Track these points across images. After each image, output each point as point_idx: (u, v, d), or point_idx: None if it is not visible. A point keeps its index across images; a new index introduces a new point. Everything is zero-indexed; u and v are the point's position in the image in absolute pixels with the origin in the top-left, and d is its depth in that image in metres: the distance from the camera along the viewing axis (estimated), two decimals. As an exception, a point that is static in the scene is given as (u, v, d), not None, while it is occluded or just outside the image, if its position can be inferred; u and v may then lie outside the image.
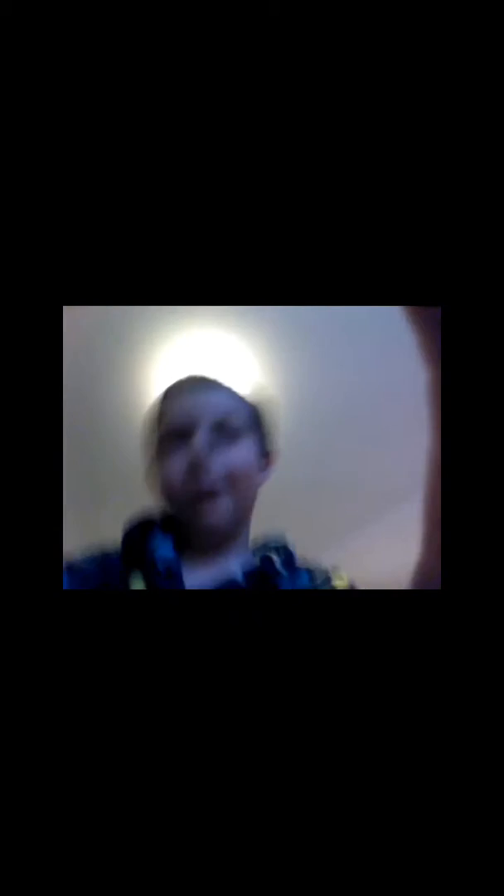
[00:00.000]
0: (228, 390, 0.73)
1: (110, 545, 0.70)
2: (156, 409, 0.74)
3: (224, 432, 0.69)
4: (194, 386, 0.73)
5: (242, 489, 0.69)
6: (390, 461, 1.94)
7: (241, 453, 0.69)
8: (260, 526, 0.75)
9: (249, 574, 0.65)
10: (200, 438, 0.67)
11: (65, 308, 0.57)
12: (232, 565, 0.67)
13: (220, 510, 0.67)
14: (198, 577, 0.65)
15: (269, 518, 0.78)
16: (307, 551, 0.73)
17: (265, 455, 0.76)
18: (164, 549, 0.67)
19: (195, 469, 0.66)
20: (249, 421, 0.72)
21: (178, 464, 0.67)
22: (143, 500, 0.75)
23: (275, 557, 0.68)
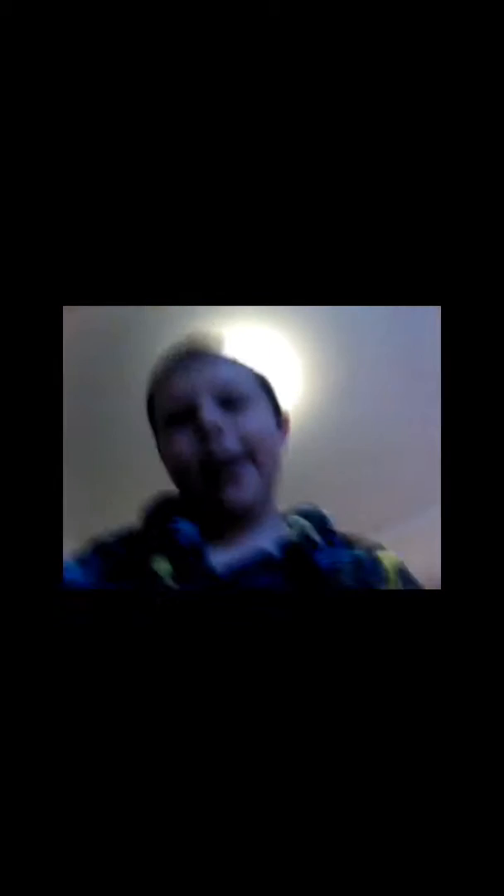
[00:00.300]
0: (224, 359, 0.65)
1: (136, 526, 0.65)
2: (149, 397, 0.68)
3: (230, 402, 0.61)
4: (186, 362, 0.65)
5: (265, 455, 0.61)
6: (402, 465, 1.94)
7: (255, 417, 0.62)
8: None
9: (286, 547, 0.58)
10: (207, 410, 0.59)
11: (65, 308, 0.57)
12: (264, 541, 0.60)
13: (244, 481, 0.59)
14: (225, 556, 0.59)
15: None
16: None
17: (279, 418, 0.68)
18: (186, 528, 0.60)
19: (206, 440, 0.58)
20: (255, 385, 0.65)
21: (188, 443, 0.60)
22: (145, 500, 0.72)
23: (308, 526, 0.60)
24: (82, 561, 0.61)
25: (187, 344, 0.67)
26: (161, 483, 0.67)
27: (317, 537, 0.59)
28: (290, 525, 0.62)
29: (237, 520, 0.62)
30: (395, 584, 0.58)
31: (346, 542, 0.62)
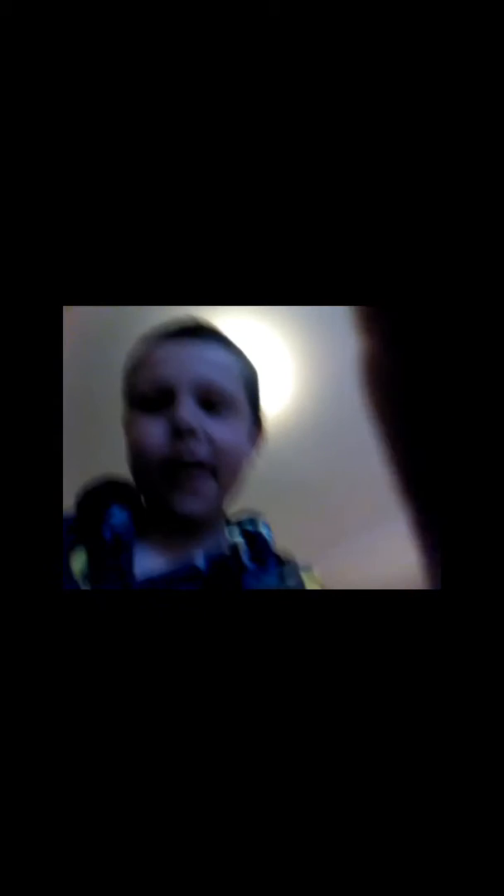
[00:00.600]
0: (219, 345, 0.61)
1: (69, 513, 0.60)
2: (132, 362, 0.63)
3: (210, 404, 0.57)
4: (179, 338, 0.60)
5: (228, 470, 0.57)
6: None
7: (230, 428, 0.57)
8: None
9: (213, 560, 0.56)
10: (184, 408, 0.55)
11: (65, 308, 0.57)
12: (198, 550, 0.57)
13: (201, 494, 0.55)
14: (153, 560, 0.56)
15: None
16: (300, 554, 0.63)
17: (255, 429, 0.64)
18: (118, 516, 0.57)
19: (178, 438, 0.54)
20: (241, 390, 0.60)
21: (156, 428, 0.55)
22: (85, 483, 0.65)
23: (242, 546, 0.58)
24: None
25: (185, 321, 0.63)
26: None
27: (248, 562, 0.57)
28: (227, 541, 0.60)
29: (180, 525, 0.59)
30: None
31: (278, 562, 0.59)
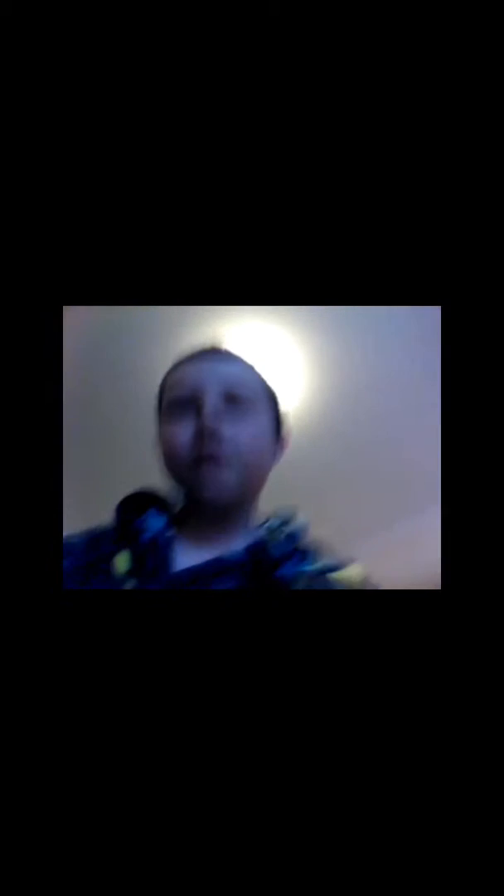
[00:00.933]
0: (240, 361, 0.68)
1: (107, 522, 0.66)
2: (162, 382, 0.70)
3: (235, 403, 0.63)
4: (203, 355, 0.68)
5: (250, 465, 0.63)
6: (404, 464, 1.94)
7: (252, 424, 0.64)
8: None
9: (252, 555, 0.61)
10: (210, 404, 0.62)
11: (65, 308, 0.57)
12: (236, 545, 0.62)
13: (222, 480, 0.61)
14: (193, 556, 0.61)
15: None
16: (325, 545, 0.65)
17: (278, 436, 0.70)
18: (154, 521, 0.64)
19: (203, 434, 0.61)
20: (262, 395, 0.67)
21: (184, 430, 0.62)
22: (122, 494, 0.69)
23: (279, 539, 0.62)
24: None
25: (209, 343, 0.70)
26: (162, 484, 0.68)
27: (281, 551, 0.61)
28: (263, 533, 0.64)
29: (213, 518, 0.64)
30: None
31: (316, 555, 0.63)
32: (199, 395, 0.63)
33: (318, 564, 0.61)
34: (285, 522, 0.66)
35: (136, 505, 0.67)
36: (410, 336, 1.71)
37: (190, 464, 0.61)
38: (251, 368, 0.68)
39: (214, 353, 0.68)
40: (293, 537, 0.64)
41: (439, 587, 0.54)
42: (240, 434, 0.62)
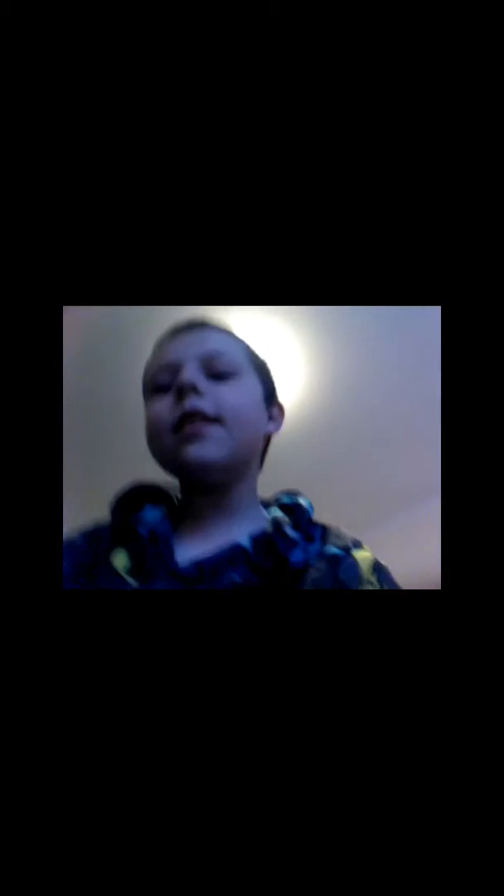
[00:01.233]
0: (220, 332, 0.63)
1: (104, 519, 0.63)
2: (144, 372, 0.65)
3: (215, 371, 0.59)
4: (181, 330, 0.63)
5: (239, 425, 0.58)
6: (404, 464, 1.94)
7: (237, 390, 0.59)
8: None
9: (258, 541, 0.57)
10: (187, 371, 0.57)
11: (65, 308, 0.57)
12: (239, 533, 0.58)
13: (208, 440, 0.56)
14: (198, 548, 0.57)
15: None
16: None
17: (271, 402, 0.65)
18: (151, 514, 0.59)
19: (182, 392, 0.56)
20: (246, 363, 0.62)
21: (163, 406, 0.58)
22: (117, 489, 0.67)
23: (287, 525, 0.58)
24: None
25: (187, 320, 0.65)
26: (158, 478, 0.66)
27: (292, 533, 0.57)
28: (268, 517, 0.60)
29: (210, 496, 0.60)
30: (370, 582, 0.56)
31: (325, 536, 0.60)
32: (181, 364, 0.59)
33: (332, 548, 0.57)
34: (291, 503, 0.63)
35: (132, 500, 0.63)
36: (410, 336, 1.71)
37: (172, 432, 0.57)
38: (232, 338, 0.63)
39: (192, 328, 0.63)
40: (303, 517, 0.60)
41: (439, 587, 0.54)
42: (223, 396, 0.58)
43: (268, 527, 0.59)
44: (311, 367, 1.82)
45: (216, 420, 0.57)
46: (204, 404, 0.56)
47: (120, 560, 0.56)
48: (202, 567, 0.55)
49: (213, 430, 0.56)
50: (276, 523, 0.58)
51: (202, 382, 0.58)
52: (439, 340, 0.57)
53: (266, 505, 0.65)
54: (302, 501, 0.63)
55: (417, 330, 1.67)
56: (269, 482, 0.70)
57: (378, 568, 0.57)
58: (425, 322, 1.53)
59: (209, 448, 0.56)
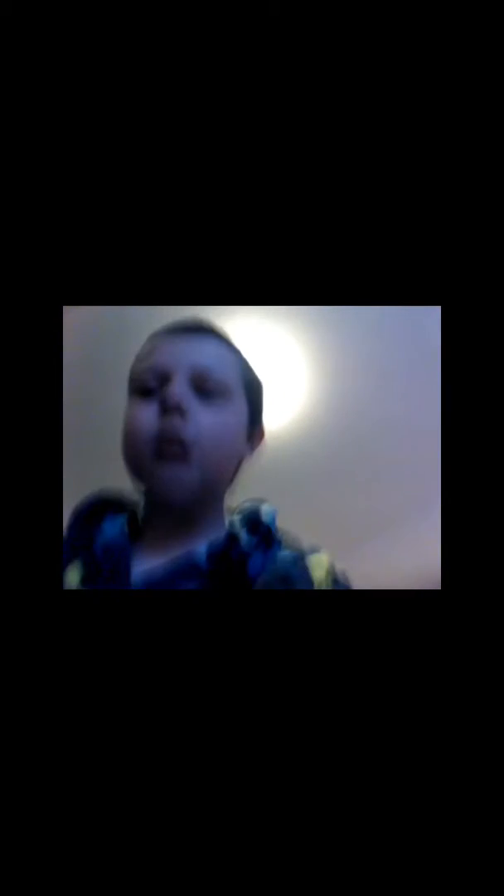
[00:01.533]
0: (218, 342, 0.61)
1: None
2: (134, 361, 0.63)
3: (205, 387, 0.57)
4: (179, 331, 0.61)
5: (212, 460, 0.56)
6: (404, 464, 1.94)
7: (221, 415, 0.57)
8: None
9: (213, 556, 0.55)
10: (175, 385, 0.56)
11: (65, 308, 0.57)
12: (198, 543, 0.57)
13: (183, 478, 0.55)
14: (153, 562, 0.56)
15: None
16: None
17: (254, 428, 0.64)
18: (109, 527, 0.58)
19: (166, 415, 0.55)
20: (238, 381, 0.60)
21: (146, 415, 0.56)
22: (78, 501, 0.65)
23: (242, 534, 0.57)
24: None
25: (187, 321, 0.64)
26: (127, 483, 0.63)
27: (246, 546, 0.56)
28: (227, 526, 0.59)
29: (176, 518, 0.59)
30: (324, 587, 0.55)
31: (284, 543, 0.59)
32: (170, 374, 0.57)
33: (286, 553, 0.57)
34: (251, 513, 0.61)
35: (93, 512, 0.62)
36: (410, 336, 1.71)
37: (149, 454, 0.56)
38: (230, 350, 0.62)
39: (191, 331, 0.61)
40: (262, 525, 0.59)
41: (439, 587, 0.54)
42: (207, 417, 0.56)
43: (224, 540, 0.57)
44: (310, 367, 1.82)
45: (193, 444, 0.55)
46: (185, 429, 0.55)
47: (73, 576, 0.55)
48: (155, 585, 0.54)
49: (188, 455, 0.55)
50: (232, 537, 0.57)
51: (188, 401, 0.56)
52: (439, 340, 0.57)
53: (229, 513, 0.63)
54: (264, 508, 0.62)
55: (417, 330, 1.67)
56: (268, 485, 0.69)
57: (334, 575, 0.56)
58: (425, 322, 1.53)
59: (180, 472, 0.55)
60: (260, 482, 0.67)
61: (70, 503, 0.63)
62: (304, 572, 0.54)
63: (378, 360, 1.81)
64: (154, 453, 0.56)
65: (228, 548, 0.56)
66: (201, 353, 0.59)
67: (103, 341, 1.69)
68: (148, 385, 0.58)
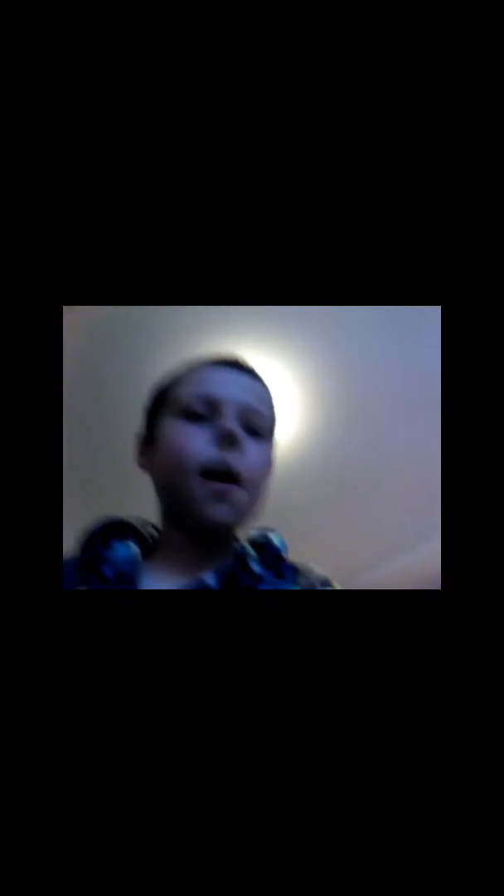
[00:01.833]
0: (258, 382, 0.65)
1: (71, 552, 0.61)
2: (172, 378, 0.65)
3: (249, 429, 0.60)
4: (224, 364, 0.64)
5: (260, 491, 0.60)
6: (404, 464, 1.94)
7: (262, 453, 0.61)
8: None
9: (223, 576, 0.56)
10: (229, 419, 0.58)
11: (65, 308, 0.57)
12: (206, 566, 0.57)
13: (236, 505, 0.57)
14: (163, 581, 0.57)
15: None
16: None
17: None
18: (121, 551, 0.58)
19: (224, 445, 0.57)
20: (271, 424, 0.65)
21: (197, 440, 0.58)
22: (144, 502, 0.66)
23: (252, 557, 0.58)
24: None
25: (231, 356, 0.66)
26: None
27: (258, 569, 0.57)
28: (237, 553, 0.60)
29: (198, 543, 0.60)
30: None
31: (295, 572, 0.59)
32: (220, 410, 0.59)
33: (301, 584, 0.57)
34: (261, 539, 0.62)
35: (103, 535, 0.62)
36: (410, 336, 1.71)
37: (198, 474, 0.57)
38: (267, 394, 0.65)
39: (229, 365, 0.64)
40: (272, 554, 0.60)
41: (439, 587, 0.54)
42: (255, 455, 0.59)
43: (234, 565, 0.58)
44: (310, 367, 1.82)
45: (244, 482, 0.58)
46: (240, 464, 0.57)
47: None
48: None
49: (239, 495, 0.58)
50: (241, 560, 0.58)
51: (242, 435, 0.59)
52: (439, 340, 0.57)
53: (236, 541, 0.63)
54: (273, 538, 0.62)
55: (417, 330, 1.67)
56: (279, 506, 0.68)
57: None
58: (425, 322, 1.53)
59: (228, 512, 0.57)
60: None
61: (70, 502, 0.63)
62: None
63: (378, 359, 1.81)
64: (203, 486, 0.57)
65: (238, 571, 0.57)
66: (247, 391, 0.62)
67: (103, 341, 1.69)
68: (196, 410, 0.60)
